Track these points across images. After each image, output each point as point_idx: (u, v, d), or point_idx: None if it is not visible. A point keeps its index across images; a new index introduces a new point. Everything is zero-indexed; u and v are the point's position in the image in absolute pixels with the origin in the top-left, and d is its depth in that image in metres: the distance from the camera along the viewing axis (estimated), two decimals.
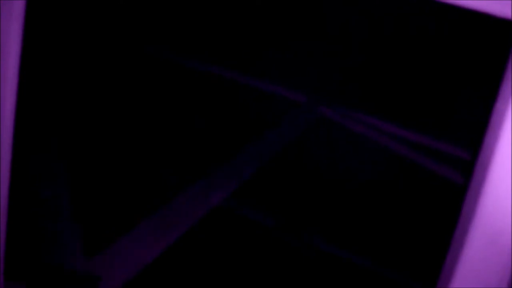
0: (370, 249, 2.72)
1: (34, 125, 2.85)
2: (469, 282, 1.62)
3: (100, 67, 3.16)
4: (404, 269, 2.63)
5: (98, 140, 2.95)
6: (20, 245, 2.28)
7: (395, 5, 3.16)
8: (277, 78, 3.35)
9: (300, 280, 2.55)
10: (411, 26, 3.20)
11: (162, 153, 2.97)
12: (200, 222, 2.62)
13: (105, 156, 2.88)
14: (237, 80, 3.32)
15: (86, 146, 2.90)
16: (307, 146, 3.16)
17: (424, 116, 3.22)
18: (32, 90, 2.88)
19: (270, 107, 3.30)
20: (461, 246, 1.63)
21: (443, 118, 3.18)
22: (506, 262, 1.58)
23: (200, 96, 3.28)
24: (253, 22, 3.32)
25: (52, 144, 2.83)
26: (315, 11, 3.27)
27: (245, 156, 3.01)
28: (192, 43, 3.34)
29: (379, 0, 3.19)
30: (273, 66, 3.35)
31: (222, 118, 3.20)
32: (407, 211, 2.90)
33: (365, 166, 3.09)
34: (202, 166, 2.89)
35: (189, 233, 2.56)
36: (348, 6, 3.26)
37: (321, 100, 3.31)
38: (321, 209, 2.88)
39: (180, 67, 3.32)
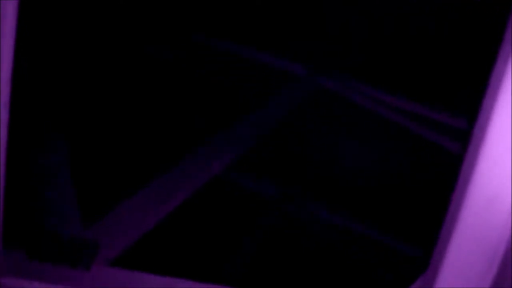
0: (370, 217, 2.73)
1: (34, 99, 2.84)
2: (466, 246, 1.63)
3: (100, 59, 3.16)
4: (402, 236, 2.64)
5: (97, 111, 2.95)
6: (19, 213, 2.29)
7: None
8: (276, 49, 3.34)
9: (299, 247, 2.56)
10: (411, 5, 3.18)
11: (161, 123, 2.97)
12: (200, 190, 2.63)
13: (104, 126, 2.88)
14: (237, 53, 3.31)
15: (85, 116, 2.90)
16: (306, 117, 3.15)
17: (422, 87, 3.21)
18: (33, 73, 2.88)
19: (270, 78, 3.28)
20: (458, 212, 1.64)
21: (441, 89, 3.18)
22: (503, 224, 1.59)
23: (199, 68, 3.27)
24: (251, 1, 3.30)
25: (52, 114, 2.83)
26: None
27: (245, 127, 3.01)
28: (193, 17, 3.32)
29: None
30: (272, 38, 3.34)
31: (221, 90, 3.19)
32: (406, 179, 2.90)
33: (363, 135, 3.08)
34: (202, 136, 2.89)
35: (188, 202, 2.56)
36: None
37: (321, 71, 3.30)
38: (320, 178, 2.89)
39: (179, 40, 3.30)
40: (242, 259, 2.49)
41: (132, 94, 3.05)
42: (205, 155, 2.78)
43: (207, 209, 2.60)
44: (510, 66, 1.51)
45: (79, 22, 3.10)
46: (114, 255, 2.25)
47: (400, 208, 2.76)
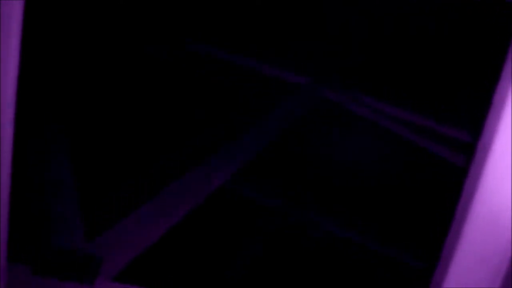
0: (372, 227, 2.74)
1: (37, 109, 2.85)
2: (471, 259, 1.64)
3: (103, 58, 3.18)
4: (405, 247, 2.65)
5: (100, 124, 2.96)
6: (23, 228, 2.29)
7: None
8: (278, 60, 3.35)
9: (301, 255, 2.57)
10: (414, 10, 3.19)
11: (164, 135, 2.98)
12: (203, 203, 2.64)
13: (107, 140, 2.88)
14: (239, 63, 3.32)
15: (89, 130, 2.91)
16: (308, 128, 3.16)
17: (425, 98, 3.22)
18: (36, 77, 2.89)
19: (272, 89, 3.30)
20: (462, 226, 1.64)
21: (444, 101, 3.19)
22: (507, 240, 1.59)
23: (201, 80, 3.28)
24: (251, 9, 3.31)
25: (55, 128, 2.84)
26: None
27: (247, 138, 3.02)
28: (194, 28, 3.34)
29: None
30: (274, 49, 3.35)
31: (223, 101, 3.20)
32: (409, 191, 2.91)
33: (365, 146, 3.09)
34: (205, 148, 2.90)
35: (191, 214, 2.57)
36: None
37: (323, 82, 3.31)
38: (323, 189, 2.89)
39: (184, 51, 3.32)
40: (244, 267, 2.49)
41: (134, 107, 3.06)
42: (207, 168, 2.79)
43: (210, 220, 2.61)
44: None
45: (80, 21, 3.12)
46: (117, 269, 2.26)
47: (402, 218, 2.77)
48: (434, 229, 1.95)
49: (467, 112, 2.77)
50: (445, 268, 1.70)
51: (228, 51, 3.35)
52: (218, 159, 2.86)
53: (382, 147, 3.09)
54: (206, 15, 3.26)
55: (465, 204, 1.66)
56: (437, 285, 1.74)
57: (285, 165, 2.97)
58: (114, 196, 2.58)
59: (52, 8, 3.03)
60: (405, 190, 2.89)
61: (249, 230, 2.62)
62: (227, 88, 3.26)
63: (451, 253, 1.68)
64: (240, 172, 2.84)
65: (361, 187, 2.90)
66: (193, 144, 2.93)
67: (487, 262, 1.63)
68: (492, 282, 1.65)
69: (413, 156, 3.06)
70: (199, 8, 3.26)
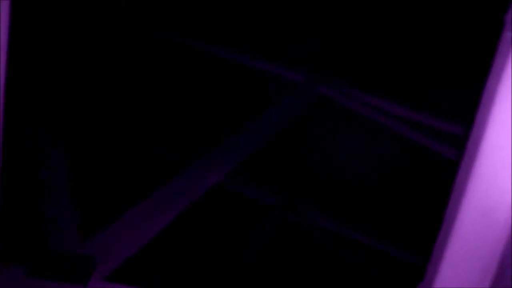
0: (368, 224, 2.73)
1: (32, 110, 2.85)
2: (462, 256, 1.64)
3: (96, 52, 3.17)
4: (400, 243, 2.64)
5: (95, 123, 2.95)
6: (17, 230, 2.29)
7: None
8: (275, 57, 3.34)
9: (298, 254, 2.56)
10: (408, 6, 3.19)
11: (159, 134, 2.98)
12: (198, 201, 2.63)
13: (102, 139, 2.88)
14: (236, 60, 3.31)
15: (83, 130, 2.91)
16: (306, 125, 3.15)
17: (420, 93, 3.22)
18: (31, 75, 2.88)
19: (269, 86, 3.29)
20: (453, 221, 1.64)
21: (438, 95, 3.18)
22: (499, 236, 1.59)
23: (199, 76, 3.28)
24: (252, 5, 3.30)
25: (48, 128, 2.83)
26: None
27: (244, 135, 3.01)
28: (193, 24, 3.33)
29: None
30: (272, 45, 3.34)
31: (220, 98, 3.19)
32: (405, 187, 2.91)
33: (362, 142, 3.09)
34: (201, 145, 2.89)
35: (186, 213, 2.57)
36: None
37: (320, 79, 3.30)
38: (319, 186, 2.89)
39: (178, 47, 3.31)
40: (241, 266, 2.49)
41: (129, 104, 3.06)
42: (203, 165, 2.79)
43: (204, 219, 2.60)
44: (503, 81, 1.52)
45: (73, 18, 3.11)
46: (111, 269, 2.26)
47: (399, 215, 2.77)
48: (434, 226, 1.95)
49: (466, 107, 2.77)
50: (437, 264, 1.69)
51: (223, 48, 3.34)
52: (214, 158, 2.86)
53: (379, 144, 3.09)
54: (199, 12, 3.26)
55: (456, 199, 1.65)
56: (429, 281, 1.74)
57: (282, 163, 2.97)
58: (108, 196, 2.58)
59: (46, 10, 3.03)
60: (404, 187, 2.89)
61: (245, 229, 2.62)
62: (224, 85, 3.25)
63: (442, 249, 1.67)
64: (236, 171, 2.84)
65: (360, 184, 2.89)
66: (188, 143, 2.93)
67: (478, 257, 1.63)
68: (483, 276, 1.64)
69: (411, 152, 3.06)
70: (191, 6, 3.26)
